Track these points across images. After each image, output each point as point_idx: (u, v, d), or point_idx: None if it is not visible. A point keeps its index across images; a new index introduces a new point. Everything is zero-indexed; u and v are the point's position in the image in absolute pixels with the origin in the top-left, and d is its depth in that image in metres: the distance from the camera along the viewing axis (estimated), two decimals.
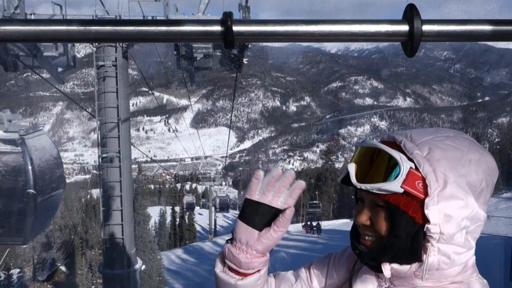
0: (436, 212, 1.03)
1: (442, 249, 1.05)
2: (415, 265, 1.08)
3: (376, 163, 1.11)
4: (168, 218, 56.10)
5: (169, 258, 32.35)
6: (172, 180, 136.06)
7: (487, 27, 0.83)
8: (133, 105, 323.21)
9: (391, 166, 1.07)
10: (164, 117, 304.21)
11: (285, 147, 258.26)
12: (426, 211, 1.03)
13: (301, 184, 1.13)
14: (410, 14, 0.82)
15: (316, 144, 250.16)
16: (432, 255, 1.06)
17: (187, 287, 25.47)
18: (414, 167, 1.06)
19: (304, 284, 1.40)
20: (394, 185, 1.06)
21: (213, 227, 48.23)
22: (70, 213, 41.50)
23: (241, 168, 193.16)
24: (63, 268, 36.49)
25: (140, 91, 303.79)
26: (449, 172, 1.03)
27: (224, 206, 50.23)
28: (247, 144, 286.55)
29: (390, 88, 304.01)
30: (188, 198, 35.20)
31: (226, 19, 0.80)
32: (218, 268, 1.24)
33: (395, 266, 1.11)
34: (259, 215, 1.15)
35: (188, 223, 51.13)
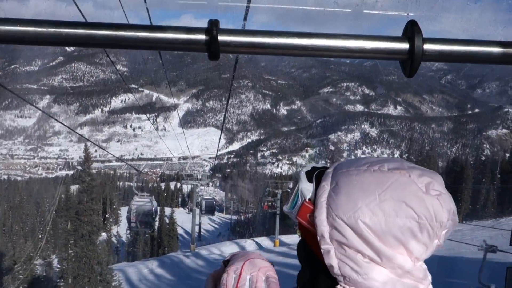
0: (331, 252, 0.93)
1: None
2: None
3: (296, 187, 1.06)
4: None
5: (140, 272, 25.98)
6: (158, 179, 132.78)
7: (494, 49, 0.79)
8: (121, 101, 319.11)
9: (297, 195, 1.03)
10: (153, 115, 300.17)
11: (274, 150, 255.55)
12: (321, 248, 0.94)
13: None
14: (411, 31, 0.77)
15: (306, 148, 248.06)
16: None
17: None
18: (312, 199, 0.99)
19: None
20: (292, 214, 1.03)
21: (196, 234, 44.88)
22: (40, 210, 37.32)
23: (228, 170, 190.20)
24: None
25: (129, 88, 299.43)
26: (341, 210, 0.90)
27: (210, 209, 47.68)
28: (235, 145, 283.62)
29: (381, 96, 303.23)
30: (138, 202, 17.41)
31: (212, 28, 0.75)
32: None
33: None
34: None
35: (168, 227, 45.21)
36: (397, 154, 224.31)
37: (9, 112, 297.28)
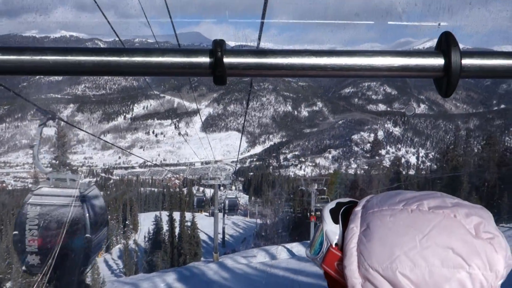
0: None
1: None
2: None
3: (320, 229, 0.93)
4: (165, 227, 46.48)
5: (156, 287, 22.07)
6: (180, 184, 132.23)
7: None
8: (143, 108, 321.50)
9: (322, 238, 0.90)
10: (175, 120, 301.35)
11: (296, 153, 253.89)
12: None
13: None
14: (446, 43, 0.66)
15: (328, 150, 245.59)
16: None
17: None
18: (340, 244, 0.86)
19: None
20: (317, 261, 0.90)
21: (220, 240, 43.08)
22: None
23: (251, 173, 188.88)
24: None
25: (150, 94, 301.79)
26: (375, 260, 0.77)
27: (233, 208, 46.73)
28: (258, 149, 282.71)
29: (404, 94, 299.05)
30: (47, 200, 6.75)
31: (216, 49, 0.65)
32: None
33: None
34: None
35: (190, 233, 42.55)
36: (422, 152, 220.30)
37: (34, 122, 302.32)
